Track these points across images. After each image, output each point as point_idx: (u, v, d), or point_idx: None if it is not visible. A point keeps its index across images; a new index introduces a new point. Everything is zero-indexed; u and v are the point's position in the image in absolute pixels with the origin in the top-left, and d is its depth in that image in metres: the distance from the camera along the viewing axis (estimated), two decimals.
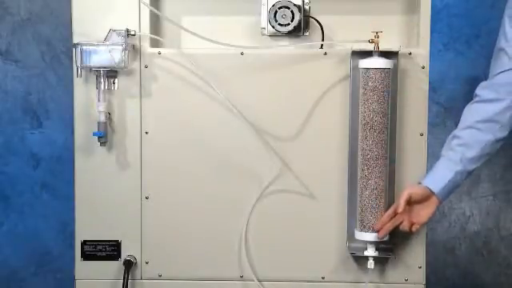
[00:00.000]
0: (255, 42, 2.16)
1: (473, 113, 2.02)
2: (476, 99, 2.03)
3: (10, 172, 3.04)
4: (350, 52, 2.05)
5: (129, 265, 2.12)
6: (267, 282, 2.14)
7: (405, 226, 2.01)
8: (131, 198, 2.13)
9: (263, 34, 2.16)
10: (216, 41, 2.06)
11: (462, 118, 2.03)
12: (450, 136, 2.03)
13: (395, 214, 2.00)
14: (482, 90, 2.03)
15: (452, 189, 2.01)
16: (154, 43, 2.12)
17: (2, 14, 2.99)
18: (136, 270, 2.15)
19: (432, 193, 1.99)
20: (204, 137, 2.12)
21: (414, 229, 2.02)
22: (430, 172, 2.02)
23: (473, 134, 1.99)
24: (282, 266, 2.14)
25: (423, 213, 2.01)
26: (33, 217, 3.05)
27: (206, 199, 2.13)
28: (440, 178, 1.99)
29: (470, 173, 2.01)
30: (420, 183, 2.02)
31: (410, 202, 2.00)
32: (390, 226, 2.01)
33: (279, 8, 2.10)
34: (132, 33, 2.07)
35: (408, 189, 2.00)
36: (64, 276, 3.05)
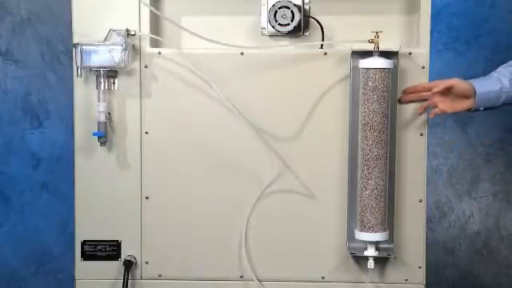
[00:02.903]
0: (255, 42, 2.16)
1: None
2: None
3: (10, 172, 3.04)
4: (350, 52, 2.05)
5: (129, 265, 2.12)
6: (267, 282, 2.14)
7: (427, 105, 2.05)
8: (131, 198, 2.13)
9: (263, 34, 2.16)
10: (216, 41, 2.06)
11: None
12: (507, 63, 2.10)
13: (426, 90, 2.04)
14: None
15: (490, 101, 2.05)
16: (154, 43, 2.12)
17: (2, 14, 2.99)
18: (136, 270, 2.15)
19: (473, 94, 2.03)
20: (204, 137, 2.12)
21: (434, 112, 2.06)
22: (478, 78, 2.08)
23: None
24: (282, 266, 2.14)
25: (453, 105, 2.06)
26: (33, 217, 3.05)
27: (206, 199, 2.13)
28: (486, 84, 2.05)
29: (510, 100, 2.05)
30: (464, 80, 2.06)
31: (448, 91, 2.03)
32: (414, 97, 2.06)
33: (279, 8, 2.10)
34: (132, 33, 2.07)
35: (454, 79, 2.04)
36: (64, 276, 3.06)
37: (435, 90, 2.02)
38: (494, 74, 2.08)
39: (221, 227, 2.13)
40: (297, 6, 2.10)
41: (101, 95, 2.07)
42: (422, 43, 2.09)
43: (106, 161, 2.12)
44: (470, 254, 3.07)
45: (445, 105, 2.05)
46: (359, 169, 2.04)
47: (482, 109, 2.07)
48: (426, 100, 2.06)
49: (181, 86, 2.10)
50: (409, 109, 2.08)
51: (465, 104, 2.06)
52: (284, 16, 2.10)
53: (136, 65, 2.10)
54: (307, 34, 2.16)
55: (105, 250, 2.15)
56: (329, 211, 2.11)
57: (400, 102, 2.07)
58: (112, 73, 2.09)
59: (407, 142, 2.09)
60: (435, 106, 2.05)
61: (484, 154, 3.02)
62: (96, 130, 2.08)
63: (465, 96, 2.05)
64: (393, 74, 2.03)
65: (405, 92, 2.06)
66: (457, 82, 2.04)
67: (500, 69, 2.10)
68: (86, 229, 2.15)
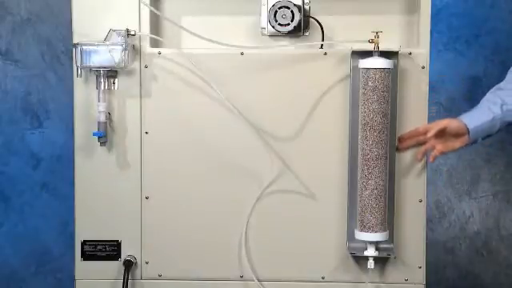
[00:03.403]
0: (255, 42, 2.16)
1: None
2: None
3: (10, 172, 3.04)
4: (350, 52, 2.05)
5: (129, 265, 2.12)
6: (267, 282, 2.14)
7: (426, 150, 2.05)
8: (131, 198, 2.13)
9: (263, 34, 2.16)
10: (216, 41, 2.06)
11: (508, 74, 2.10)
12: (494, 88, 2.09)
13: (420, 134, 2.04)
14: None
15: (484, 133, 2.05)
16: (154, 43, 2.12)
17: (2, 14, 2.99)
18: (136, 269, 2.15)
19: (467, 130, 2.03)
20: (204, 137, 2.12)
21: (433, 155, 2.05)
22: (468, 112, 2.07)
23: None
24: (282, 266, 2.14)
25: (449, 144, 2.06)
26: (33, 217, 3.05)
27: (206, 199, 2.13)
28: (478, 117, 2.04)
29: (505, 124, 2.05)
30: (455, 118, 2.06)
31: (441, 133, 2.03)
32: (411, 143, 2.06)
33: (279, 8, 2.10)
34: (132, 33, 2.07)
35: (446, 120, 2.05)
36: (64, 276, 3.06)
37: (429, 134, 2.02)
38: (485, 103, 2.06)
39: (221, 227, 2.13)
40: (297, 6, 2.10)
41: (101, 95, 2.07)
42: (422, 43, 2.09)
43: (106, 161, 2.12)
44: (470, 254, 3.07)
45: (442, 146, 2.05)
46: (359, 169, 2.04)
47: (480, 140, 2.07)
48: (422, 144, 2.05)
49: (181, 86, 2.10)
50: (409, 109, 2.08)
51: (460, 142, 2.05)
52: (284, 16, 2.10)
53: (136, 65, 2.10)
54: (307, 33, 2.16)
55: (105, 250, 2.15)
56: (329, 211, 2.11)
57: (398, 150, 2.07)
58: (112, 73, 2.09)
59: None
60: (433, 149, 2.05)
61: (484, 154, 3.01)
62: (96, 130, 2.08)
63: (459, 134, 2.04)
64: (393, 74, 2.03)
65: (401, 139, 2.07)
66: (448, 123, 2.04)
67: (489, 95, 2.08)
68: (86, 229, 2.15)
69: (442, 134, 2.04)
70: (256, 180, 2.11)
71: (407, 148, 2.07)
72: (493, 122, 2.03)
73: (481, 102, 2.08)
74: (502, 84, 2.08)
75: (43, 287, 3.09)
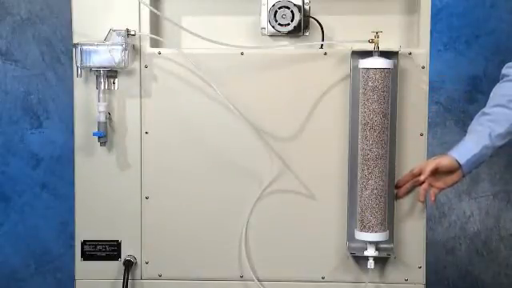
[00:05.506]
0: (255, 42, 2.16)
1: (502, 91, 2.05)
2: (504, 79, 2.06)
3: (10, 172, 3.04)
4: (350, 52, 2.05)
5: (129, 265, 2.12)
6: (267, 282, 2.14)
7: (425, 190, 2.04)
8: (131, 198, 2.13)
9: (263, 34, 2.16)
10: (216, 41, 2.06)
11: (491, 96, 2.06)
12: (479, 113, 2.06)
13: (416, 176, 2.04)
14: (509, 69, 2.06)
15: (476, 163, 2.03)
16: (154, 43, 2.12)
17: (2, 14, 2.99)
18: (136, 269, 2.15)
19: (458, 165, 2.01)
20: (204, 137, 2.12)
21: (432, 194, 2.05)
22: (457, 145, 2.05)
23: (502, 112, 2.02)
24: (282, 266, 2.14)
25: (445, 181, 2.05)
26: (33, 217, 3.05)
27: (206, 199, 2.13)
28: (468, 150, 2.02)
29: (495, 149, 2.03)
30: (446, 154, 2.04)
31: (435, 171, 2.02)
32: (409, 186, 2.06)
33: (279, 8, 2.10)
34: (132, 33, 2.07)
35: (436, 160, 2.03)
36: (64, 276, 3.06)
37: (423, 177, 2.02)
38: (473, 133, 2.03)
39: (221, 227, 2.13)
40: (297, 6, 2.10)
41: (101, 95, 2.07)
42: (422, 43, 2.09)
43: (106, 161, 2.12)
44: (470, 254, 3.07)
45: (439, 183, 2.05)
46: (359, 169, 2.04)
47: (475, 168, 2.06)
48: (417, 185, 2.05)
49: (181, 85, 2.10)
50: (409, 109, 2.08)
51: (454, 177, 2.04)
52: (284, 16, 2.10)
53: (136, 65, 2.10)
54: (307, 33, 2.16)
55: (105, 250, 2.15)
56: (329, 211, 2.11)
57: (397, 197, 2.08)
58: (112, 73, 2.09)
59: (407, 141, 2.09)
60: (432, 186, 2.05)
61: None
62: (96, 130, 2.08)
63: (452, 170, 2.03)
64: (393, 74, 2.03)
65: (398, 186, 2.07)
66: (439, 162, 2.02)
67: (475, 122, 2.05)
68: (86, 229, 2.15)
69: (435, 172, 2.02)
70: (256, 180, 2.11)
71: (406, 194, 2.07)
72: (483, 152, 2.00)
73: (469, 129, 2.05)
74: (486, 108, 2.04)
75: (43, 287, 3.10)
